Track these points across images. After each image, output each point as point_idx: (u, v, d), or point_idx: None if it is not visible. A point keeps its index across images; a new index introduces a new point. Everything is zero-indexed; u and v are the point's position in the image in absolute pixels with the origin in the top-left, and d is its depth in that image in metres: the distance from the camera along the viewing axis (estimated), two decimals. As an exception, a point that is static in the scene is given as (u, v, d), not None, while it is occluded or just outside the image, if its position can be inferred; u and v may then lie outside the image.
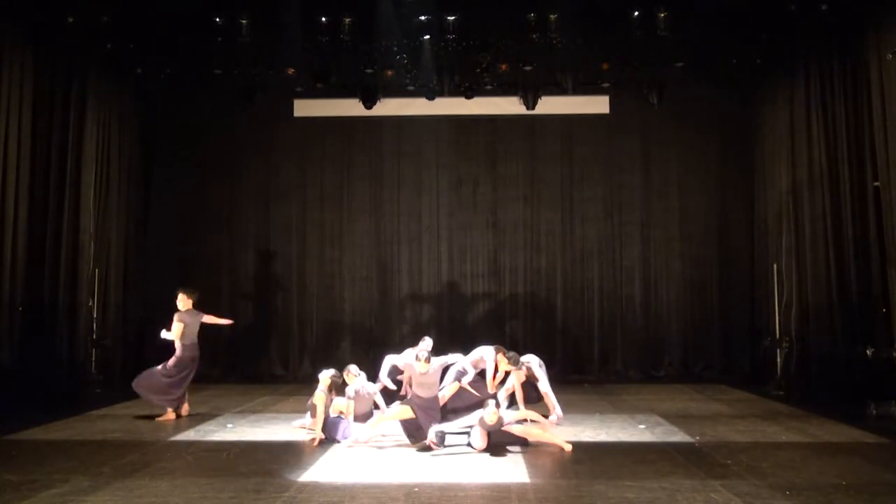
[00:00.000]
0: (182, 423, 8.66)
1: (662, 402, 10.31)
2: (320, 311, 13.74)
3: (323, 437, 7.45)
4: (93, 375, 11.14)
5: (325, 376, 7.85)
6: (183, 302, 9.16)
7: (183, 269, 13.46)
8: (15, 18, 9.40)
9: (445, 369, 8.20)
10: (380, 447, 7.26)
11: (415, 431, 7.29)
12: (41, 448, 7.25)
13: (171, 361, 9.01)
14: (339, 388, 7.91)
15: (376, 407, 8.18)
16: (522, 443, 7.21)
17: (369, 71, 12.01)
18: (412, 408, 7.28)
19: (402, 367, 8.74)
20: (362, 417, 7.88)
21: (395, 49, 11.24)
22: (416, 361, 7.29)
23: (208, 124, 13.74)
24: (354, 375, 7.98)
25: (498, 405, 7.07)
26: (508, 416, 7.36)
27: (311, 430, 7.70)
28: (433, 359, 7.44)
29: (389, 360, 8.86)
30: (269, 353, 13.60)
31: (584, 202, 13.76)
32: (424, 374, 7.29)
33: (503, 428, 7.10)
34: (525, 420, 7.42)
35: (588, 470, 6.31)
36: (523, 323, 13.61)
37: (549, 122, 13.72)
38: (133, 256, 12.60)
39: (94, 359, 11.34)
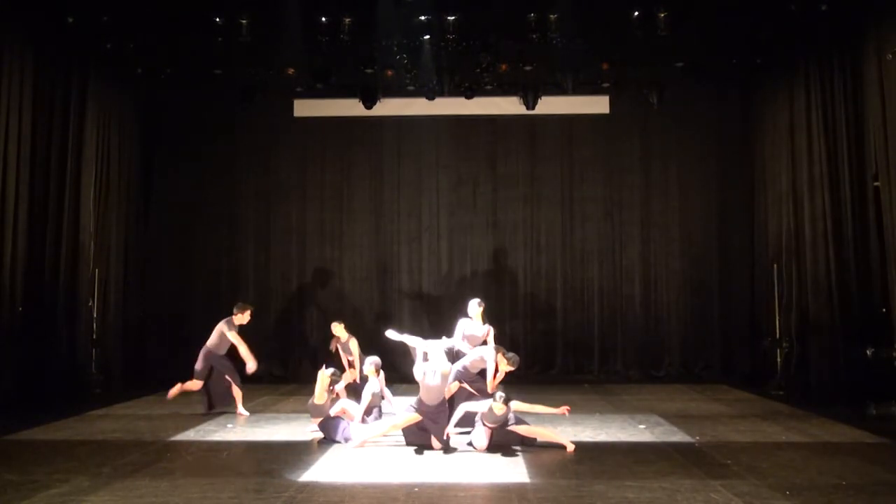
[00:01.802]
0: (182, 422, 8.65)
1: (662, 402, 10.31)
2: (320, 310, 13.73)
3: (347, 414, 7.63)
4: (93, 375, 11.14)
5: (325, 375, 7.87)
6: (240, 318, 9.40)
7: (183, 269, 13.51)
8: (15, 18, 9.40)
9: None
10: (379, 447, 7.26)
11: (417, 436, 7.26)
12: (41, 448, 7.25)
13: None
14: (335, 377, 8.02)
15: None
16: (526, 442, 7.20)
17: (369, 71, 12.02)
18: (421, 414, 7.23)
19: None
20: (372, 410, 8.10)
21: (395, 49, 11.25)
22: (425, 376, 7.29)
23: (208, 124, 13.73)
24: (376, 371, 8.15)
25: (507, 399, 7.01)
26: (515, 406, 7.32)
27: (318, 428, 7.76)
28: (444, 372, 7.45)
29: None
30: (269, 353, 13.57)
31: (584, 202, 13.76)
32: (433, 386, 7.23)
33: (508, 428, 7.08)
34: (529, 418, 7.42)
35: (588, 470, 6.31)
36: (523, 323, 13.60)
37: (549, 122, 13.72)
38: (133, 256, 12.60)
39: (94, 359, 11.33)
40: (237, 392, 9.28)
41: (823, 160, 10.37)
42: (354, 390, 8.91)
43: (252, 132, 13.84)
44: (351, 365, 9.60)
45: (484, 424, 7.03)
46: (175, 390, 9.30)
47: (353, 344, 9.68)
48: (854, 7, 9.56)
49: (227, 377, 9.22)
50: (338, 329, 9.79)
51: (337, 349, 9.88)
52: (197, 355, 9.32)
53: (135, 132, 12.80)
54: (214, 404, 9.24)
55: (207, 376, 9.18)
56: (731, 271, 13.30)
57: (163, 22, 10.55)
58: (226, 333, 9.17)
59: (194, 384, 9.19)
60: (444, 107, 13.28)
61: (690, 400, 10.59)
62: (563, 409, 7.50)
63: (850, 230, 9.91)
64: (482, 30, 10.91)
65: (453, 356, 8.24)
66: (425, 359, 7.78)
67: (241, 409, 9.28)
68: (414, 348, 8.18)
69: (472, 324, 8.58)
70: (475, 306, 8.69)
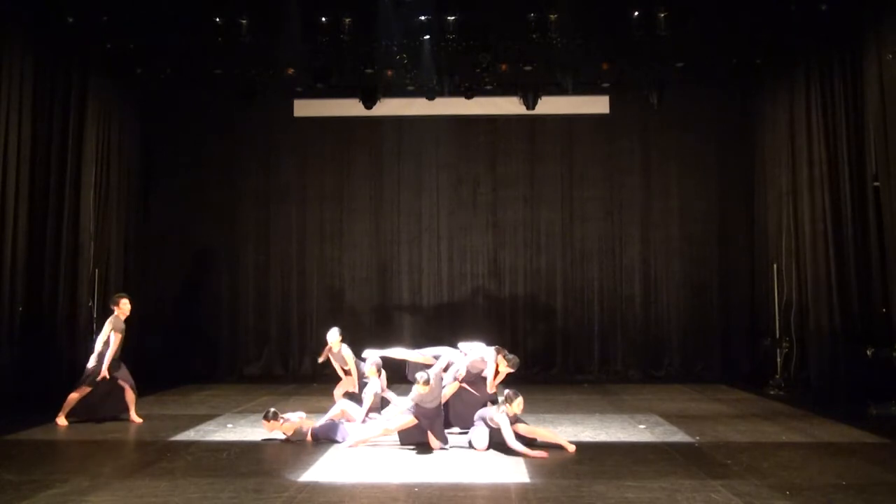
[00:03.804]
0: (182, 423, 8.64)
1: (662, 402, 10.31)
2: (320, 310, 13.74)
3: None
4: (93, 375, 11.12)
5: (268, 422, 7.51)
6: (124, 310, 8.67)
7: (182, 268, 13.53)
8: (15, 18, 9.40)
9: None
10: (379, 447, 7.25)
11: (413, 436, 7.25)
12: (41, 448, 7.26)
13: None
14: (275, 416, 7.52)
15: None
16: (526, 443, 7.20)
17: (369, 71, 12.02)
18: (417, 417, 7.20)
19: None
20: (374, 411, 8.10)
21: (395, 49, 11.25)
22: (416, 385, 7.13)
23: (208, 124, 13.74)
24: (377, 372, 8.10)
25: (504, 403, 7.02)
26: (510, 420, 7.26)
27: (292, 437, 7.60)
28: (432, 377, 7.24)
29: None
30: (269, 353, 13.61)
31: (584, 202, 13.76)
32: (425, 393, 7.14)
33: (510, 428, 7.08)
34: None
35: (588, 470, 6.31)
36: (523, 323, 13.60)
37: (549, 122, 13.73)
38: (133, 256, 12.59)
39: (94, 359, 11.31)
40: (131, 397, 8.64)
41: (823, 160, 10.37)
42: (353, 398, 8.57)
43: (252, 132, 13.85)
44: (347, 373, 8.98)
45: (486, 424, 7.04)
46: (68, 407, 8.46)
47: (347, 352, 8.89)
48: (854, 7, 9.56)
49: (120, 382, 8.54)
50: (332, 336, 8.93)
51: (329, 359, 9.11)
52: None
53: (135, 132, 12.80)
54: (98, 413, 8.51)
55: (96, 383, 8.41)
56: (731, 271, 13.30)
57: (163, 22, 10.54)
58: (112, 333, 8.43)
59: (82, 391, 8.41)
60: (444, 107, 13.29)
61: (690, 400, 10.59)
62: (570, 446, 7.10)
63: (850, 230, 9.91)
64: (482, 30, 10.91)
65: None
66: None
67: (133, 415, 8.68)
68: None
69: (483, 352, 8.02)
70: (493, 352, 7.90)
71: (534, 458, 6.73)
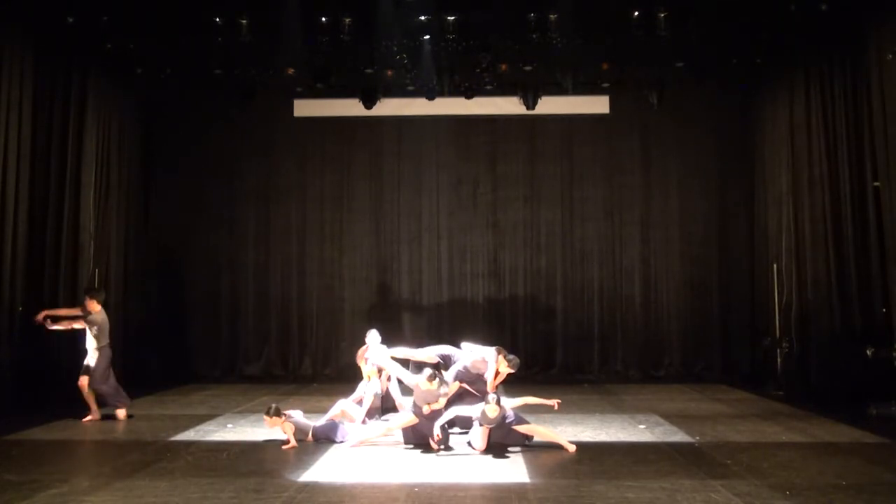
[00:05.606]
0: (182, 423, 8.65)
1: (662, 402, 10.31)
2: (320, 311, 13.74)
3: (296, 445, 7.34)
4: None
5: (271, 420, 7.42)
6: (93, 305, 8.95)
7: (183, 269, 13.52)
8: (15, 18, 9.39)
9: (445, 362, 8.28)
10: (379, 447, 7.25)
11: (415, 436, 7.26)
12: (41, 448, 7.26)
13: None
14: (277, 412, 7.44)
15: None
16: (524, 441, 7.21)
17: (369, 71, 12.03)
18: (417, 416, 7.23)
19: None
20: (374, 411, 8.14)
21: (395, 49, 11.25)
22: (420, 379, 7.19)
23: (208, 124, 13.74)
24: (378, 372, 8.07)
25: (498, 400, 7.04)
26: (510, 405, 7.30)
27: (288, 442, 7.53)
28: (438, 378, 7.23)
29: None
30: (269, 353, 13.60)
31: (584, 202, 13.76)
32: (426, 392, 7.14)
33: (509, 426, 7.09)
34: (526, 410, 7.40)
35: (588, 470, 6.31)
36: (523, 323, 13.60)
37: (549, 122, 13.72)
38: (133, 256, 12.59)
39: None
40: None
41: (823, 160, 10.37)
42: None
43: (252, 132, 13.84)
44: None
45: (481, 424, 7.04)
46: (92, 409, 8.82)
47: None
48: (854, 7, 9.56)
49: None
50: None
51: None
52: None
53: (135, 132, 12.80)
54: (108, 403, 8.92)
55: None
56: (731, 271, 13.30)
57: (163, 22, 10.54)
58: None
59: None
60: (444, 107, 13.28)
61: (690, 400, 10.59)
62: (554, 401, 7.58)
63: (850, 230, 9.91)
64: (482, 30, 10.90)
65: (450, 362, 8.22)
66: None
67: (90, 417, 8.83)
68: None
69: (483, 353, 7.99)
70: (493, 353, 7.90)
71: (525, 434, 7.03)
